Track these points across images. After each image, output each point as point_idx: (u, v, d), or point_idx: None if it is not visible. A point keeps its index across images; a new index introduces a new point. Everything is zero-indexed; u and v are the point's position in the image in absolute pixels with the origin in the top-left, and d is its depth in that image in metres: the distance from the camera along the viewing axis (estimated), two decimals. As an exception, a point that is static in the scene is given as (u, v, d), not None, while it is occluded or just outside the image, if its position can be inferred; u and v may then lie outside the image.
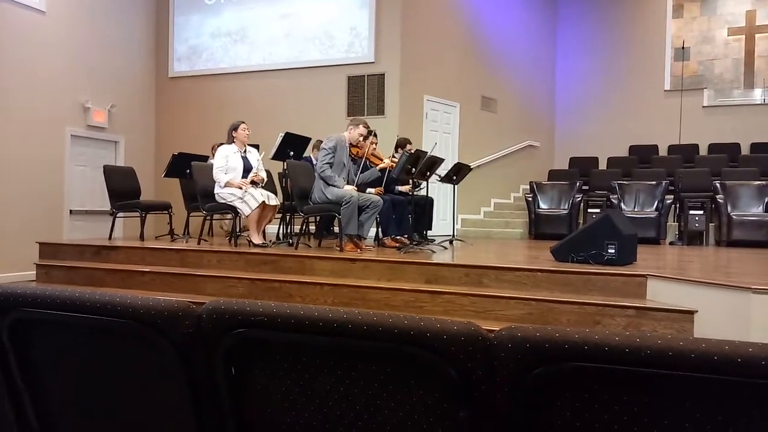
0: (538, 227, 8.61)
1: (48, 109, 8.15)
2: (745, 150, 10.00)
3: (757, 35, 10.15)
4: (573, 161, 10.90)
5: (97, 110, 8.82)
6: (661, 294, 3.88)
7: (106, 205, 6.86)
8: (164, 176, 7.18)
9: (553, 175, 10.23)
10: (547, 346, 0.89)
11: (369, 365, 1.00)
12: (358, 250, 5.31)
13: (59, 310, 1.18)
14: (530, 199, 8.88)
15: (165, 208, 6.86)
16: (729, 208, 7.81)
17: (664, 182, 8.43)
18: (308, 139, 6.73)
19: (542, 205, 8.78)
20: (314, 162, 6.36)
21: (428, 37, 8.77)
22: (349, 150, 5.74)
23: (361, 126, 5.77)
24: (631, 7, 11.02)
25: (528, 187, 9.25)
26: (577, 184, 8.87)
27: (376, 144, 6.34)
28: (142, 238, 6.60)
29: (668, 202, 8.18)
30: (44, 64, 8.12)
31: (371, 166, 6.06)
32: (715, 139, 10.17)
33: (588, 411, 0.91)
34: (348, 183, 5.60)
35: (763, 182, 8.07)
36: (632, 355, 0.84)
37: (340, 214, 5.37)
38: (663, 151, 10.55)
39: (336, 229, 6.32)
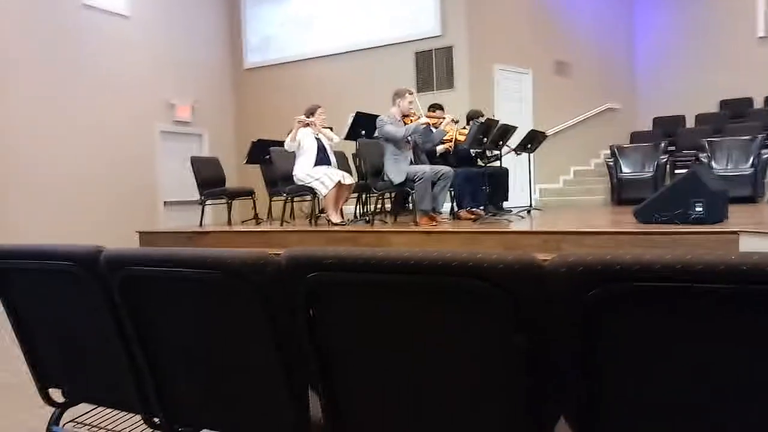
0: (621, 192, 8.28)
1: (137, 108, 8.74)
2: None
3: None
4: (657, 121, 10.34)
5: (181, 106, 9.35)
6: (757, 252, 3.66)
7: (196, 195, 7.29)
8: (245, 163, 7.54)
9: (636, 137, 9.76)
10: (599, 269, 0.92)
11: (431, 296, 1.08)
12: (433, 223, 5.36)
13: (158, 266, 1.33)
14: (611, 163, 8.54)
15: (249, 194, 7.22)
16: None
17: (759, 136, 7.84)
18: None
19: (625, 170, 8.41)
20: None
21: (495, 4, 8.58)
22: (404, 123, 5.73)
23: (406, 94, 5.75)
24: (717, -51, 10.24)
25: (609, 152, 8.89)
26: (662, 144, 8.43)
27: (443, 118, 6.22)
28: (229, 223, 7.00)
29: (765, 157, 7.60)
30: (130, 65, 8.68)
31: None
32: (820, 87, 9.35)
33: (643, 328, 0.94)
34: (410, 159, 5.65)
35: None
36: (683, 271, 0.86)
37: (413, 190, 5.44)
38: (758, 104, 9.78)
39: (411, 206, 6.36)
